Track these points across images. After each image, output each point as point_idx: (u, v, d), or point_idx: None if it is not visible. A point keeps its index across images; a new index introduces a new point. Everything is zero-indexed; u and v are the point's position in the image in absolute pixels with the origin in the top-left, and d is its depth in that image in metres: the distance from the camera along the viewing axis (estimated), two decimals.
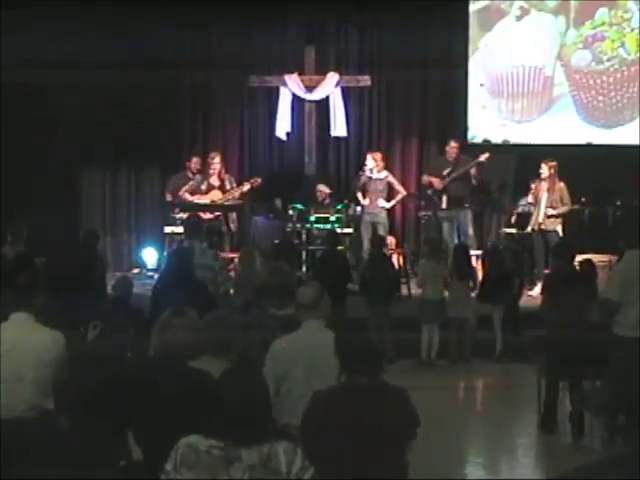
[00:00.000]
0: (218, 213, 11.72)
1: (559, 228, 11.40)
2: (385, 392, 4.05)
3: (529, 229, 11.55)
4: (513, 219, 12.28)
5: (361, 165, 12.11)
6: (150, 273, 12.14)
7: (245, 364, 3.59)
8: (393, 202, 12.13)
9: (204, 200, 11.78)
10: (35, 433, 3.68)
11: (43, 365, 4.83)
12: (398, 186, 12.11)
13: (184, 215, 11.55)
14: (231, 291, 8.24)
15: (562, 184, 11.36)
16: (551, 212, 11.30)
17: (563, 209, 11.36)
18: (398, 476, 4.00)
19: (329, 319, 4.86)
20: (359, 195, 11.96)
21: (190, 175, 12.17)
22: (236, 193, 11.77)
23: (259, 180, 11.84)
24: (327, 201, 12.10)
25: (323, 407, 3.99)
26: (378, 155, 12.01)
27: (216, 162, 11.83)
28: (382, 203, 11.89)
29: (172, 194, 12.19)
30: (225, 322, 4.68)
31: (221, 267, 7.68)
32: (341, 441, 3.89)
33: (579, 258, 9.54)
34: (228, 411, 3.21)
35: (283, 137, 12.76)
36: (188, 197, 11.78)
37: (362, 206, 11.94)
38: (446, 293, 9.72)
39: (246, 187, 11.77)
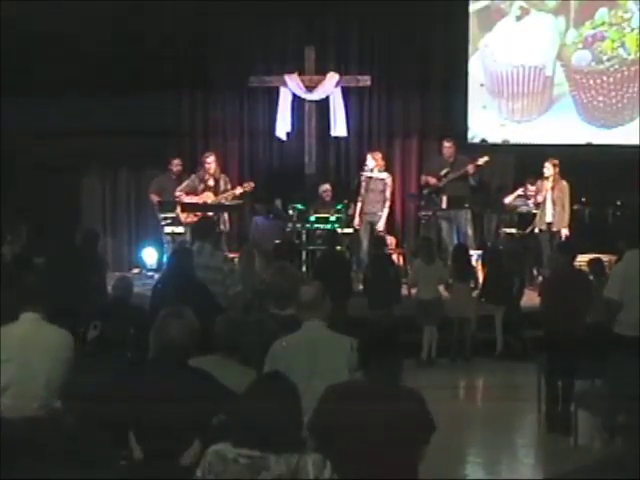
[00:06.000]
0: (211, 214, 11.60)
1: (566, 228, 11.38)
2: (400, 394, 3.97)
3: (536, 229, 11.54)
4: (513, 219, 12.26)
5: (361, 165, 12.09)
6: (150, 273, 12.12)
7: (276, 372, 3.54)
8: (386, 211, 11.91)
9: (196, 201, 11.66)
10: (45, 432, 3.69)
11: (54, 364, 4.87)
12: (388, 193, 11.89)
13: (174, 215, 11.58)
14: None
15: (565, 183, 11.37)
16: (552, 212, 11.31)
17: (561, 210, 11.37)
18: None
19: (330, 319, 4.85)
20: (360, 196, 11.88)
21: (173, 176, 12.17)
22: (229, 196, 11.68)
23: (252, 184, 11.75)
24: (331, 201, 12.09)
25: (335, 402, 3.90)
26: (378, 155, 11.98)
27: (210, 162, 11.75)
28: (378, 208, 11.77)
29: (157, 194, 12.19)
30: (237, 323, 4.68)
31: (230, 269, 7.65)
32: (350, 438, 3.80)
33: (587, 257, 9.56)
34: (258, 419, 3.16)
35: (283, 137, 12.74)
36: (184, 198, 11.69)
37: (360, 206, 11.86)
38: (443, 293, 9.74)
39: (238, 191, 11.68)
